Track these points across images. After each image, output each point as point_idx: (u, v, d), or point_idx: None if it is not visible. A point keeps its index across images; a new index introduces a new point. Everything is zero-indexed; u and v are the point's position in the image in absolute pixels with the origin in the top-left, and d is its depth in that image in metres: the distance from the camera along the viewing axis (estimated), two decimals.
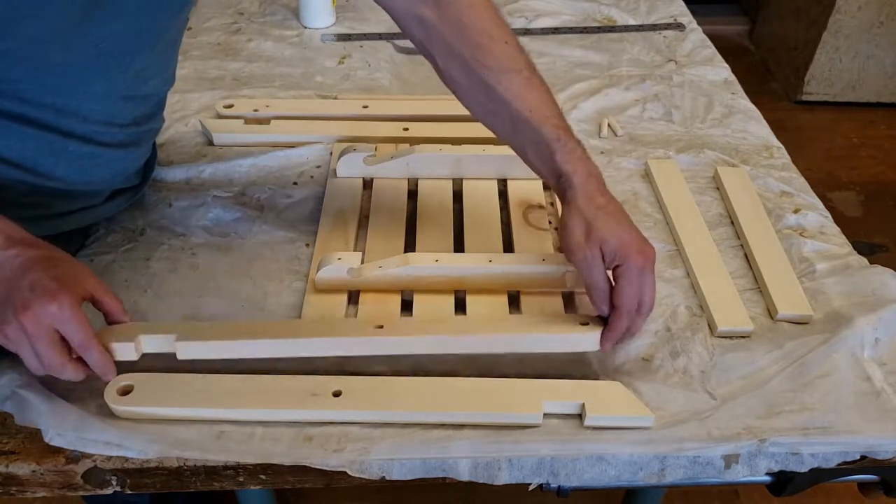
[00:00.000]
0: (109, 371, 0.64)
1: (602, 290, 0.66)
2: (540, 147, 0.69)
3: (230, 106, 1.05)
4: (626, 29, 1.32)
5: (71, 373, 0.62)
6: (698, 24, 1.35)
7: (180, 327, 0.69)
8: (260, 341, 0.68)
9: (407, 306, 0.76)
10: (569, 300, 0.76)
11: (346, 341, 0.68)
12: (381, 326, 0.69)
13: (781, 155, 1.02)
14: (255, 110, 1.04)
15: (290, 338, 0.68)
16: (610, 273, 0.67)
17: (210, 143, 1.01)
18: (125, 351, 0.65)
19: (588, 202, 0.67)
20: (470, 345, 0.69)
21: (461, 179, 0.93)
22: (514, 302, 0.77)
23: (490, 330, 0.69)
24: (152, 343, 0.67)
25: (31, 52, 0.63)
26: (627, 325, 0.67)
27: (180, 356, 0.67)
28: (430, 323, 0.71)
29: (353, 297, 0.77)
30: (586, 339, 0.69)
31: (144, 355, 0.67)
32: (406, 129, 1.00)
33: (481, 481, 0.64)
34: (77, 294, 0.61)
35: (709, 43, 1.29)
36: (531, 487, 0.65)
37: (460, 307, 0.76)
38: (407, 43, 1.27)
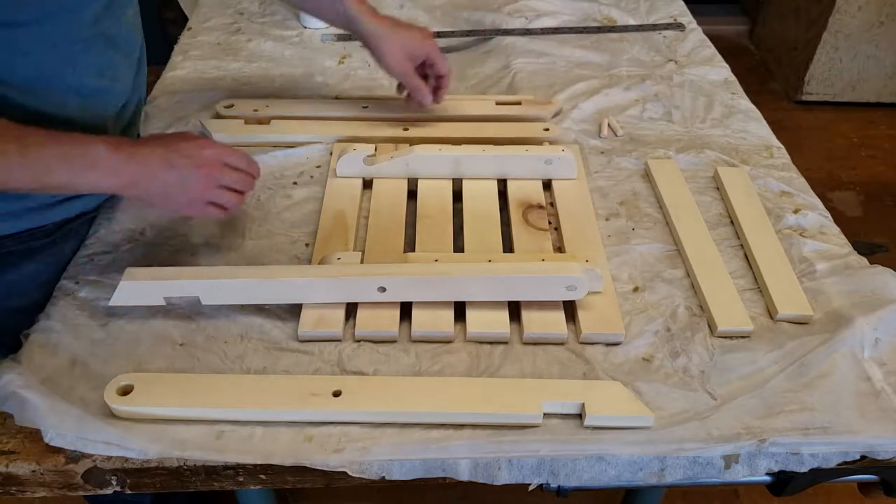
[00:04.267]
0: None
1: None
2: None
3: (230, 106, 1.05)
4: (626, 29, 1.32)
5: (251, 183, 0.79)
6: (698, 24, 1.35)
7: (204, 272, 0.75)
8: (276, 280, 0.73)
9: (406, 306, 0.76)
10: (568, 303, 0.76)
11: (352, 282, 0.73)
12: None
13: (781, 155, 1.02)
14: (255, 110, 1.04)
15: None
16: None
17: None
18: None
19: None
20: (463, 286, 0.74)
21: (461, 179, 0.93)
22: (514, 302, 0.77)
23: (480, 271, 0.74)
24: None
25: None
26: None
27: (205, 301, 0.74)
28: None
29: None
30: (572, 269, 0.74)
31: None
32: (406, 129, 1.00)
33: (481, 481, 0.64)
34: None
35: (709, 43, 1.29)
36: (531, 487, 0.65)
37: (460, 309, 0.76)
38: None
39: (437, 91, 0.97)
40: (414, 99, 0.96)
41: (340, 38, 1.28)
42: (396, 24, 0.92)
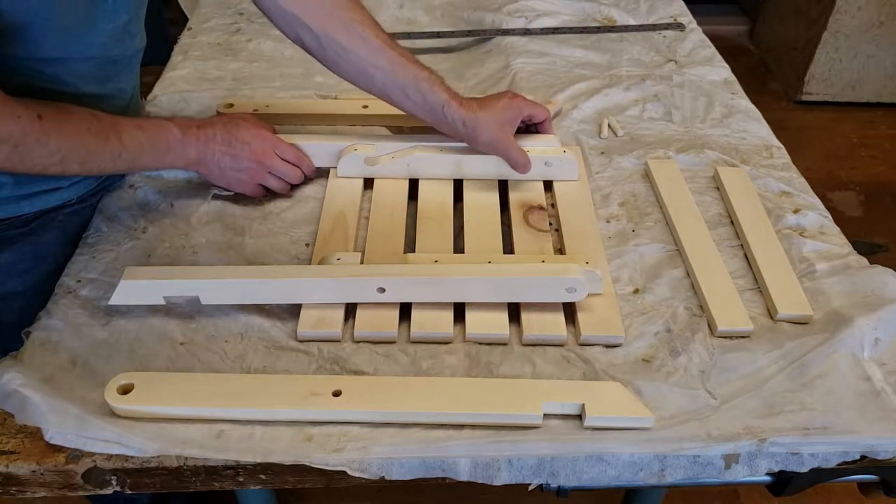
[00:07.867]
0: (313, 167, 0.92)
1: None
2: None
3: (230, 106, 1.05)
4: (626, 29, 1.32)
5: (299, 175, 0.90)
6: (698, 24, 1.35)
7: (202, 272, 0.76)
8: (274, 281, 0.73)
9: (406, 307, 0.76)
10: (568, 305, 0.76)
11: (351, 282, 0.73)
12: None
13: (781, 155, 1.02)
14: (255, 110, 1.04)
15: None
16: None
17: None
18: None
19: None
20: (462, 289, 0.74)
21: (461, 179, 0.93)
22: (514, 303, 0.77)
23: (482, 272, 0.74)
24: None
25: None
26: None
27: (204, 301, 0.74)
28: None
29: None
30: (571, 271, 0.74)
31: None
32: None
33: (481, 481, 0.64)
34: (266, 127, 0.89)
35: (709, 43, 1.29)
36: (531, 488, 0.65)
37: (459, 310, 0.76)
38: (406, 43, 1.27)
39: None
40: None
41: None
42: (482, 102, 0.86)
